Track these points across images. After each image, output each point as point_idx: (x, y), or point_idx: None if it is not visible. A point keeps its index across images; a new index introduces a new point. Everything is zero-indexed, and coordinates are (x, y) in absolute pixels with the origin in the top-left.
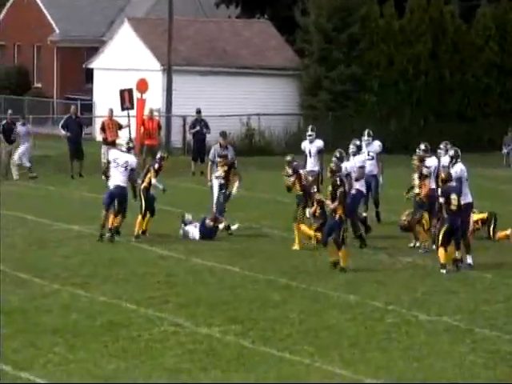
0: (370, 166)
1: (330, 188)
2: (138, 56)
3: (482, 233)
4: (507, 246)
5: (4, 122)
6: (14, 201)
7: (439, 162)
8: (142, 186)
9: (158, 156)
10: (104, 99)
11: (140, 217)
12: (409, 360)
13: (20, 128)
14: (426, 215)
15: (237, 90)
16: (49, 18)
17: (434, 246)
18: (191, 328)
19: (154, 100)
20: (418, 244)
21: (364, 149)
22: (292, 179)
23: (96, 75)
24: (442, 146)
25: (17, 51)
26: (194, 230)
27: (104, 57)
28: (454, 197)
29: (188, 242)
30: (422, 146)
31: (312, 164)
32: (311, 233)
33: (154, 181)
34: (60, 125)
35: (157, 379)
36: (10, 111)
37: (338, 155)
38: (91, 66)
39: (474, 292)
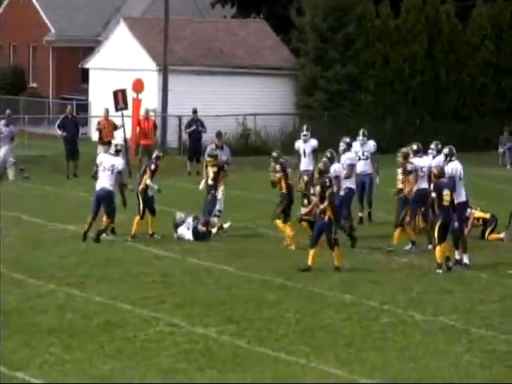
0: (365, 166)
1: (318, 188)
2: (134, 56)
3: (477, 232)
4: (502, 246)
5: None
6: (11, 201)
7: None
8: (140, 188)
9: (154, 155)
10: (100, 99)
11: (138, 217)
12: (404, 360)
13: (4, 128)
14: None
15: (233, 90)
16: (44, 18)
17: (430, 246)
18: (187, 328)
19: (150, 100)
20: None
21: (359, 148)
22: (278, 175)
23: (92, 75)
24: (432, 146)
25: (12, 51)
26: (187, 233)
27: (100, 57)
28: (446, 192)
29: (184, 242)
30: (414, 147)
31: (306, 163)
32: (289, 231)
33: (148, 181)
34: (56, 125)
35: (153, 379)
36: (8, 111)
37: (328, 155)
38: (87, 65)
39: (470, 292)
